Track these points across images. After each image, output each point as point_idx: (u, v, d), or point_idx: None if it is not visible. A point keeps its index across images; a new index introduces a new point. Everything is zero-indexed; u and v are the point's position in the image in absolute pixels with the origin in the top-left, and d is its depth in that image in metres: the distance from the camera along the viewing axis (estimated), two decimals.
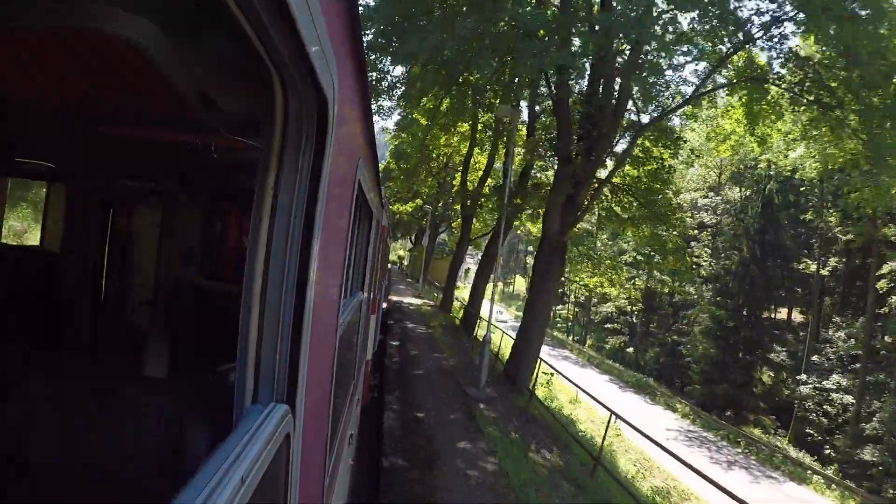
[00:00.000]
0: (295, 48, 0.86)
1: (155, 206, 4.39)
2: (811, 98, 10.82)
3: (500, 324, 40.17)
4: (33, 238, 5.98)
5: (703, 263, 40.08)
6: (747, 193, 39.45)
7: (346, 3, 1.27)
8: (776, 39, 10.77)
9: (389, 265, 49.02)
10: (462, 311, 25.99)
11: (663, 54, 10.12)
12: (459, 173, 28.27)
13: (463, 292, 41.76)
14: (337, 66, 1.13)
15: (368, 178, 2.67)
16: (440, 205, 37.62)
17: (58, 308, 3.90)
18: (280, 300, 1.03)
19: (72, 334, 3.94)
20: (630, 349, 55.68)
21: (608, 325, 56.47)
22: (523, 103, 16.66)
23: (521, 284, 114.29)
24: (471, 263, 59.38)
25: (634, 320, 56.59)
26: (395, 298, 25.45)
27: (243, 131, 2.11)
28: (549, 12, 10.53)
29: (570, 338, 67.71)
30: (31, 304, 3.68)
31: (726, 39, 10.55)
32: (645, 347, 54.09)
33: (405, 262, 66.57)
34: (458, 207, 27.60)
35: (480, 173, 25.95)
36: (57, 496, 1.57)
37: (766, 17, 10.81)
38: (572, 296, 72.21)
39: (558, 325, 73.21)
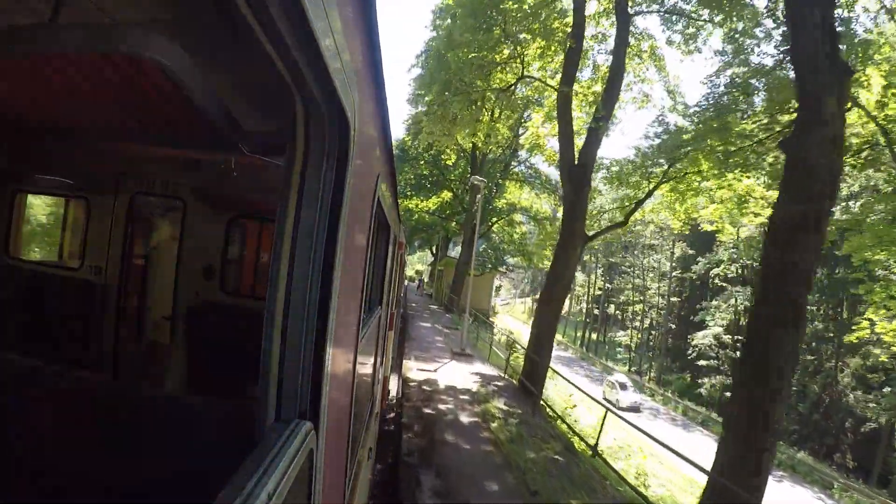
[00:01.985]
0: (317, 69, 0.87)
1: (175, 222, 4.23)
2: None
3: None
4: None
5: None
6: None
7: (366, 24, 1.28)
8: None
9: (406, 282, 35.54)
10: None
11: None
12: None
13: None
14: (357, 86, 1.15)
15: (387, 195, 2.68)
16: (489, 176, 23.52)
17: (77, 323, 3.86)
18: (303, 316, 1.02)
19: (91, 350, 3.89)
20: (729, 393, 40.59)
21: (702, 362, 41.24)
22: None
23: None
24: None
25: (738, 354, 41.79)
26: (416, 372, 11.41)
27: (266, 150, 2.09)
28: None
29: (629, 368, 53.39)
30: (51, 320, 3.66)
31: None
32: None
33: (426, 279, 52.22)
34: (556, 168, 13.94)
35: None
36: None
37: None
38: (633, 317, 57.72)
39: (619, 354, 58.32)
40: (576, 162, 11.90)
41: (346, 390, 1.57)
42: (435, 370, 11.95)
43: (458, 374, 11.94)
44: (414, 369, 11.57)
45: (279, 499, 0.78)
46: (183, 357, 3.98)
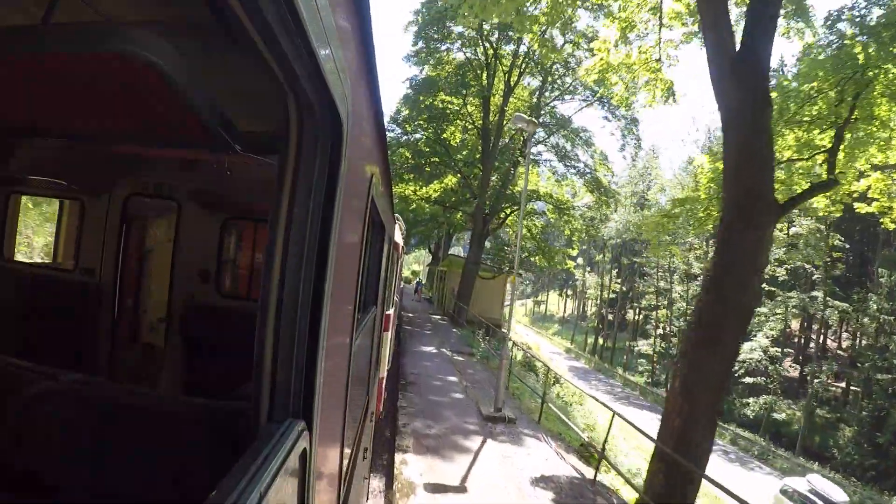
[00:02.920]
0: (310, 68, 0.87)
1: (170, 224, 4.21)
2: None
3: None
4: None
5: None
6: None
7: (360, 21, 1.27)
8: None
9: (403, 284, 29.32)
10: None
11: None
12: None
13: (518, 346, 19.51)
14: (351, 85, 1.14)
15: (381, 195, 2.61)
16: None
17: (72, 325, 3.79)
18: (296, 316, 1.02)
19: (86, 352, 3.83)
20: (777, 414, 34.60)
21: (747, 380, 35.22)
22: None
23: (552, 303, 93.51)
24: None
25: (793, 369, 35.73)
26: (423, 496, 5.29)
27: (259, 149, 2.08)
28: None
29: (650, 379, 47.52)
30: (46, 322, 3.62)
31: None
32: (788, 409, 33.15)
33: (424, 282, 45.89)
34: None
35: None
36: None
37: None
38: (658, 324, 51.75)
39: (639, 366, 52.16)
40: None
41: (340, 390, 1.55)
42: (461, 482, 5.77)
43: (507, 493, 5.76)
44: (420, 486, 5.40)
45: (271, 499, 0.77)
46: (178, 359, 3.96)
